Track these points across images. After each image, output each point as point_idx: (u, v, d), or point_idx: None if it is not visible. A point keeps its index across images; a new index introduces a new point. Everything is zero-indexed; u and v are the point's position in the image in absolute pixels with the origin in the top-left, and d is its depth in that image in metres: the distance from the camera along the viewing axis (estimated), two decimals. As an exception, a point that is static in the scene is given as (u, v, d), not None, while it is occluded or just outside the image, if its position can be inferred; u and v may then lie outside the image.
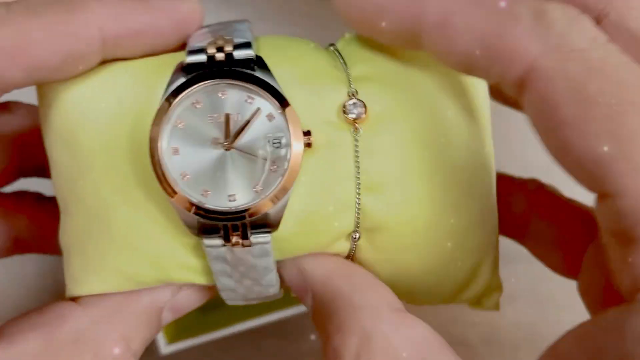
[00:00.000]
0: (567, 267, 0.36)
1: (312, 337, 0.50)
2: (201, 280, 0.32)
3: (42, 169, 0.36)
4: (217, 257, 0.31)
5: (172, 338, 0.44)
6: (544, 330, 0.48)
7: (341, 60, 0.33)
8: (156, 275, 0.32)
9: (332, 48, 0.34)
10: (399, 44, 0.31)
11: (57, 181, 0.32)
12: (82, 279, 0.32)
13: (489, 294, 0.35)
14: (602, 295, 0.33)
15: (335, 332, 0.29)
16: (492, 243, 0.34)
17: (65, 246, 0.32)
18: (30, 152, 0.37)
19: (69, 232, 0.32)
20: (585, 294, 0.35)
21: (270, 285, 0.33)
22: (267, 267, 0.31)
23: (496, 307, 0.35)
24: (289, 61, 0.31)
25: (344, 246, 0.32)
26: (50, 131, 0.32)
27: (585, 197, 0.35)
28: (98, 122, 0.31)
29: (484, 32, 0.28)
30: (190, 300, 0.33)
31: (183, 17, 0.31)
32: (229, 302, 0.34)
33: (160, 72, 0.31)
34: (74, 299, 0.32)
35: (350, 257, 0.33)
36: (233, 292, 0.33)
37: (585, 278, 0.35)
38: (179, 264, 0.31)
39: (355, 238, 0.32)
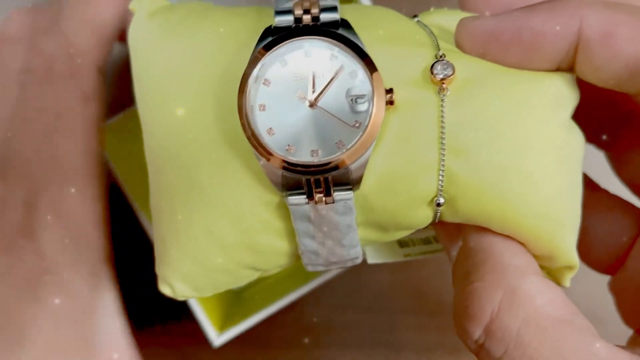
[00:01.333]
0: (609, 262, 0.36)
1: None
2: (283, 242, 0.33)
3: None
4: (301, 215, 0.31)
5: (220, 328, 0.45)
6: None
7: (427, 29, 0.33)
8: (240, 237, 0.32)
9: (416, 19, 0.34)
10: (542, 64, 0.32)
11: (149, 139, 0.34)
12: (171, 239, 0.33)
13: (566, 270, 0.34)
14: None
15: (479, 280, 0.30)
16: (576, 220, 0.33)
17: (155, 207, 0.34)
18: None
19: (158, 190, 0.33)
20: (621, 291, 0.36)
21: (352, 246, 0.33)
22: (350, 225, 0.32)
23: (567, 283, 0.34)
24: (374, 24, 0.32)
25: (426, 214, 0.32)
26: (142, 93, 0.33)
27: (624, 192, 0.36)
28: (188, 82, 0.32)
29: None
30: None
31: None
32: (310, 268, 0.35)
33: (249, 34, 0.32)
34: None
35: (435, 221, 0.33)
36: (315, 254, 0.33)
37: (627, 274, 0.35)
38: (263, 223, 0.32)
39: (439, 203, 0.32)
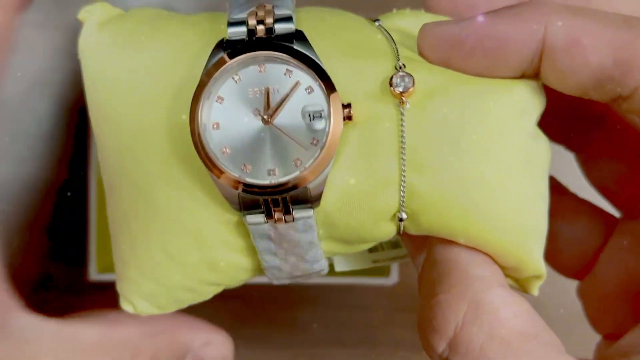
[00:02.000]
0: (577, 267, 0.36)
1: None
2: (245, 259, 0.32)
3: None
4: (261, 234, 0.31)
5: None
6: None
7: (388, 36, 0.32)
8: (200, 255, 0.32)
9: (377, 23, 0.33)
10: (506, 72, 0.31)
11: (103, 157, 0.33)
12: (129, 260, 0.32)
13: (533, 279, 0.33)
14: (608, 299, 0.34)
15: (444, 292, 0.29)
16: (542, 230, 0.32)
17: (113, 226, 0.33)
18: None
19: (115, 209, 0.33)
20: (589, 297, 0.36)
21: (315, 261, 0.32)
22: (312, 241, 0.31)
23: (535, 292, 0.34)
24: (331, 33, 0.31)
25: (390, 228, 0.32)
26: (94, 107, 0.32)
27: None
28: (139, 97, 0.31)
29: (616, 46, 0.28)
30: (212, 356, 0.35)
31: None
32: (275, 282, 0.34)
33: (202, 45, 0.31)
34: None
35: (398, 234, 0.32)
36: (279, 270, 0.33)
37: (595, 279, 0.35)
38: (223, 242, 0.31)
39: (401, 218, 0.31)
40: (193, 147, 0.29)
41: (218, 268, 0.32)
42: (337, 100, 0.29)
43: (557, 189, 0.36)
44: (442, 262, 0.31)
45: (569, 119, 0.37)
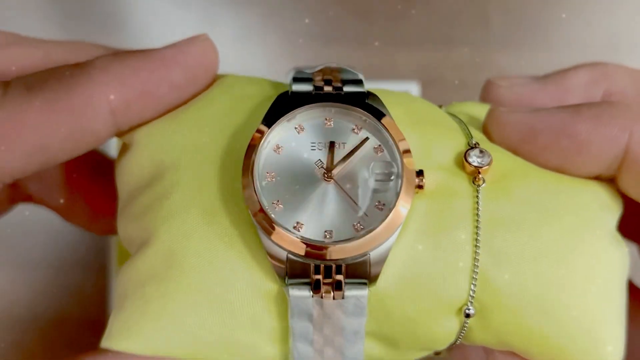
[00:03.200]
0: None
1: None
2: (270, 347, 0.27)
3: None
4: (302, 311, 0.26)
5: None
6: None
7: (456, 118, 0.30)
8: (221, 333, 0.26)
9: (442, 108, 0.31)
10: (579, 172, 0.28)
11: (128, 217, 0.28)
12: (132, 328, 0.27)
13: None
14: None
15: None
16: (619, 347, 0.28)
17: (121, 291, 0.28)
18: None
19: (130, 273, 0.28)
20: None
21: (355, 360, 0.27)
22: (358, 331, 0.26)
23: None
24: (401, 103, 0.29)
25: (451, 327, 0.27)
26: (131, 164, 0.29)
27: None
28: (186, 148, 0.28)
29: None
30: None
31: (197, 62, 0.29)
32: None
33: (263, 98, 0.28)
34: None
35: (459, 339, 0.28)
36: (309, 366, 0.27)
37: None
38: (253, 319, 0.26)
39: (468, 314, 0.26)
40: (240, 199, 0.26)
41: (236, 352, 0.27)
42: (410, 163, 0.26)
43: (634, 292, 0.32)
44: None
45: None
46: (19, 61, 0.29)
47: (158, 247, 0.27)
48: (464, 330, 0.27)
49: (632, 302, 0.29)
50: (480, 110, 0.31)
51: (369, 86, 0.28)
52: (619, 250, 0.28)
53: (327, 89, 0.27)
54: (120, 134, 0.29)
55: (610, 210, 0.28)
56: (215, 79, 0.30)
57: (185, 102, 0.29)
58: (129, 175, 0.29)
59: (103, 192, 0.35)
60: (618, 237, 0.28)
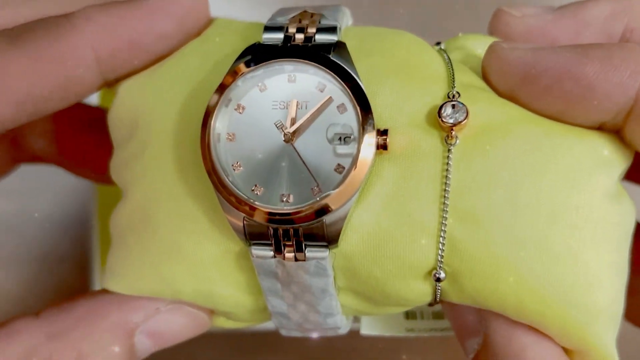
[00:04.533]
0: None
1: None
2: (248, 298, 0.28)
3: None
4: (267, 271, 0.26)
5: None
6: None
7: (447, 59, 0.27)
8: (196, 285, 0.27)
9: (438, 47, 0.29)
10: (581, 121, 0.26)
11: (115, 166, 0.29)
12: (120, 272, 0.28)
13: None
14: None
15: None
16: (618, 309, 0.26)
17: (112, 233, 0.29)
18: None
19: (117, 219, 0.29)
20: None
21: (329, 314, 0.27)
22: (325, 289, 0.26)
23: None
24: (381, 51, 0.27)
25: (423, 289, 0.26)
26: (115, 117, 0.29)
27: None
28: (159, 104, 0.28)
29: None
30: (175, 327, 0.28)
31: (185, 11, 0.28)
32: (283, 332, 0.29)
33: (230, 51, 0.27)
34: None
35: (432, 305, 0.27)
36: (286, 318, 0.28)
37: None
38: (224, 274, 0.27)
39: (438, 278, 0.25)
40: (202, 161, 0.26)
41: (217, 302, 0.28)
42: (370, 123, 0.25)
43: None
44: (504, 356, 0.26)
45: None
46: (10, 21, 0.30)
47: (133, 202, 0.28)
48: (438, 290, 0.26)
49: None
50: (483, 44, 0.28)
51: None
52: (619, 206, 0.26)
53: (299, 37, 0.26)
54: (109, 84, 0.30)
55: (610, 164, 0.26)
56: (207, 26, 0.30)
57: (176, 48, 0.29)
58: (114, 127, 0.30)
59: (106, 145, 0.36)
60: (621, 191, 0.26)
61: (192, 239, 0.27)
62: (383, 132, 0.25)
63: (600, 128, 0.26)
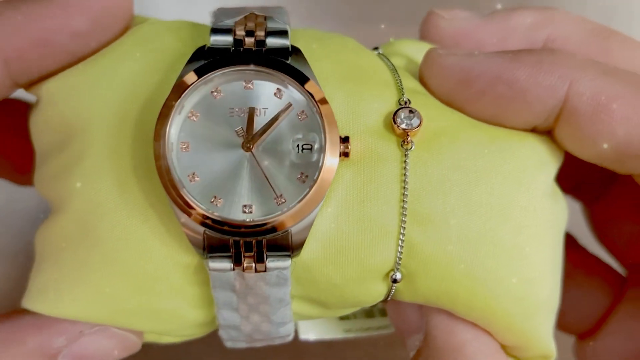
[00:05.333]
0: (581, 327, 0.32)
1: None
2: (196, 312, 0.27)
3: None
4: (224, 283, 0.25)
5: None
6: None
7: (391, 65, 0.28)
8: (140, 302, 0.26)
9: (377, 52, 0.29)
10: (514, 123, 0.27)
11: (42, 178, 0.27)
12: (48, 291, 0.26)
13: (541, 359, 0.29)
14: None
15: None
16: (555, 303, 0.28)
17: (40, 250, 0.27)
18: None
19: (46, 234, 0.26)
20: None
21: (282, 323, 0.27)
22: (283, 299, 0.26)
23: None
24: (331, 56, 0.27)
25: (379, 290, 0.27)
26: (41, 122, 0.27)
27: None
28: (97, 109, 0.26)
29: None
30: (101, 350, 0.27)
31: (102, 8, 0.26)
32: (229, 344, 0.29)
33: (178, 55, 0.26)
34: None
35: (388, 298, 0.28)
36: (236, 330, 0.27)
37: (599, 345, 0.32)
38: (173, 289, 0.26)
39: (395, 279, 0.26)
40: (153, 171, 0.24)
41: (161, 318, 0.26)
42: (334, 131, 0.24)
43: (567, 241, 0.32)
44: (445, 351, 0.27)
45: (581, 169, 0.33)
46: None
47: (72, 215, 0.25)
48: (392, 291, 0.27)
49: (570, 255, 0.29)
50: (417, 50, 0.29)
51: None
52: (556, 205, 0.27)
53: (249, 41, 0.25)
54: (26, 87, 0.27)
55: (548, 165, 0.27)
56: (129, 25, 0.28)
57: (97, 50, 0.27)
58: (40, 133, 0.27)
59: (25, 144, 0.33)
60: (556, 190, 0.28)
61: (138, 251, 0.25)
62: (345, 139, 0.25)
63: (533, 130, 0.27)
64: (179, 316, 0.27)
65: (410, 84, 0.27)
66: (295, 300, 0.27)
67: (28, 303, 0.26)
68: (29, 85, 0.27)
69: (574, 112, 0.26)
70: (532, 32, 0.29)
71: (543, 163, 0.27)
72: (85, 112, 0.26)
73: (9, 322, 0.26)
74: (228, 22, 0.26)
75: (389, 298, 0.27)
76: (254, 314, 0.26)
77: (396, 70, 0.27)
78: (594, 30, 0.29)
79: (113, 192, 0.25)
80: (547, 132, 0.28)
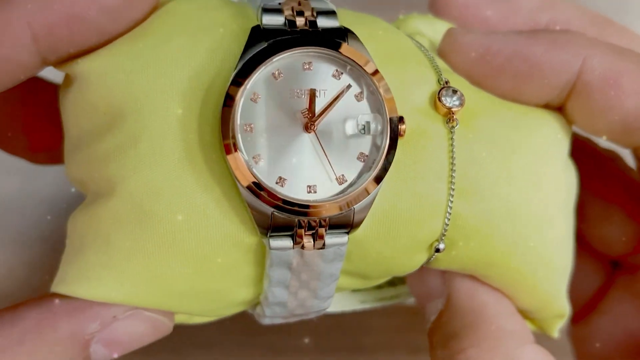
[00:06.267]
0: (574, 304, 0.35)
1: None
2: (245, 291, 0.27)
3: None
4: (282, 261, 0.25)
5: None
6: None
7: (419, 45, 0.29)
8: (194, 283, 0.26)
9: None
10: (529, 98, 0.29)
11: (83, 160, 0.26)
12: (93, 275, 0.25)
13: (555, 319, 0.31)
14: (603, 352, 0.33)
15: (472, 346, 0.27)
16: (570, 265, 0.30)
17: (78, 234, 0.26)
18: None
19: (95, 218, 0.26)
20: (582, 343, 0.35)
21: (327, 298, 0.28)
22: (333, 274, 0.27)
23: (556, 333, 0.32)
24: (373, 37, 0.27)
25: (419, 260, 0.28)
26: (80, 102, 0.26)
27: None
28: (151, 90, 0.25)
29: None
30: (134, 334, 0.27)
31: None
32: (266, 321, 0.29)
33: (222, 33, 0.26)
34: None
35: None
36: (282, 306, 0.28)
37: (591, 329, 0.34)
38: (228, 268, 0.26)
39: (438, 249, 0.27)
40: (215, 151, 0.24)
41: (207, 299, 0.27)
42: (394, 111, 0.25)
43: None
44: (467, 312, 0.28)
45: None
46: None
47: (125, 198, 0.25)
48: (432, 259, 0.28)
49: None
50: (427, 25, 0.30)
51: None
52: (572, 175, 0.30)
53: (300, 21, 0.25)
54: (56, 64, 0.26)
55: (564, 140, 0.29)
56: (157, 5, 0.27)
57: (127, 29, 0.26)
58: (79, 114, 0.26)
59: (43, 121, 0.31)
60: (570, 162, 0.30)
61: (197, 233, 0.25)
62: (400, 120, 0.25)
63: (546, 107, 0.29)
64: (226, 296, 0.27)
65: (441, 64, 0.28)
66: (340, 274, 0.28)
67: (62, 287, 0.25)
68: (58, 64, 0.26)
69: (587, 86, 0.28)
70: (536, 13, 0.31)
71: (561, 138, 0.29)
72: (135, 93, 0.25)
73: (41, 307, 0.25)
74: (276, 3, 0.26)
75: (426, 264, 0.28)
76: (303, 290, 0.27)
77: (427, 50, 0.28)
78: (593, 19, 0.31)
79: (171, 173, 0.24)
80: (558, 109, 0.30)
